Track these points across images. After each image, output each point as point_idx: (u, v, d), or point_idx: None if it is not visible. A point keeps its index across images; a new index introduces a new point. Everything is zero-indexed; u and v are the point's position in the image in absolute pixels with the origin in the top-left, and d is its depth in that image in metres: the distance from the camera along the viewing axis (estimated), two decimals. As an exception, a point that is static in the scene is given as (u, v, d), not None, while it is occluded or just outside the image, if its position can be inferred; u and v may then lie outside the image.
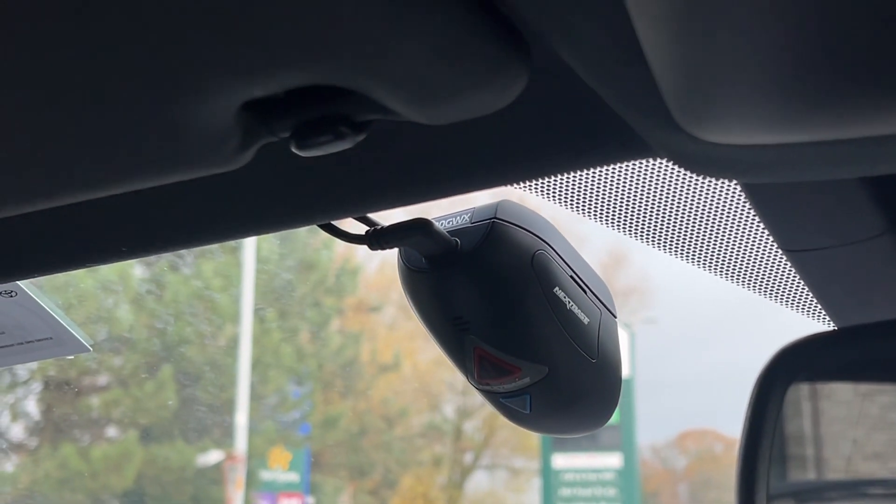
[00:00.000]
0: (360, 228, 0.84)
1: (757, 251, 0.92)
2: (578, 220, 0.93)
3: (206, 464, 10.99)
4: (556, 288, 0.83)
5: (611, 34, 0.45)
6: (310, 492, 12.78)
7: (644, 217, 0.90)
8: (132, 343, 10.19)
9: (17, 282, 0.94)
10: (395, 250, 0.86)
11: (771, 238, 0.87)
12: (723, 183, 0.80)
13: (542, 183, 0.85)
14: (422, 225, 0.81)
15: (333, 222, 0.83)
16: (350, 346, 13.41)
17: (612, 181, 0.84)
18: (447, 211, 0.85)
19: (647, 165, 0.79)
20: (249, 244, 10.77)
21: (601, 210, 0.89)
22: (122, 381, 10.45)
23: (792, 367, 0.93)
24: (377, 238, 0.83)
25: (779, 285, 0.99)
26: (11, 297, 0.96)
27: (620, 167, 0.80)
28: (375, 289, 14.75)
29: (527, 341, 0.84)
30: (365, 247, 0.83)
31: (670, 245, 0.94)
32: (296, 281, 12.19)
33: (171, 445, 10.69)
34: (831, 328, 1.03)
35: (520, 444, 16.31)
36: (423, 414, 15.74)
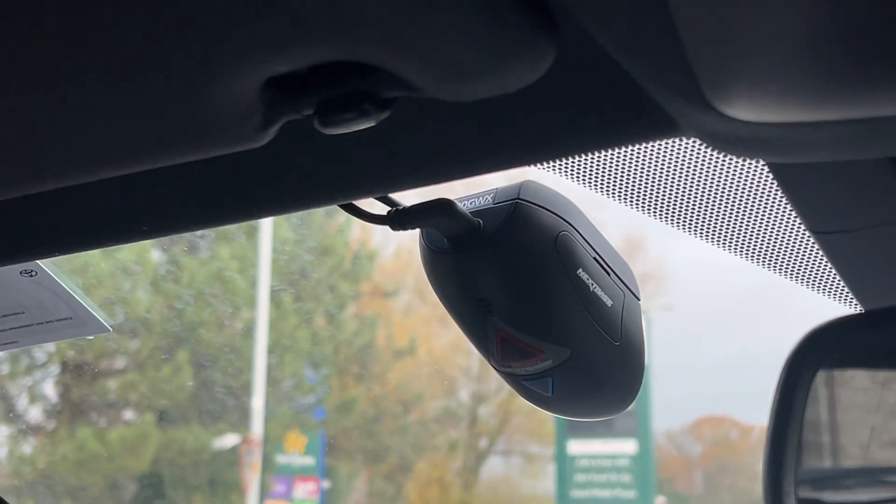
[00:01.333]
0: (381, 210, 0.84)
1: (784, 233, 0.91)
2: (595, 206, 0.92)
3: (223, 447, 11.03)
4: (580, 270, 0.82)
5: (641, 7, 0.44)
6: (325, 476, 12.82)
7: (670, 198, 0.89)
8: (149, 326, 10.23)
9: (38, 262, 0.94)
10: (417, 231, 0.85)
11: (798, 220, 0.86)
12: (750, 164, 0.79)
13: (568, 163, 0.84)
14: (444, 205, 0.81)
15: (355, 202, 0.82)
16: (366, 330, 13.42)
17: (638, 161, 0.83)
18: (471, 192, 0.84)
19: (674, 145, 0.79)
20: (266, 228, 10.79)
21: (626, 191, 0.88)
22: (139, 363, 10.49)
23: (820, 350, 0.92)
24: (399, 218, 0.82)
25: (806, 268, 0.98)
26: (32, 276, 0.96)
27: (648, 147, 0.80)
28: (391, 274, 14.76)
29: (549, 323, 0.83)
30: (381, 230, 0.83)
31: (696, 227, 0.94)
32: (312, 265, 12.20)
33: (187, 429, 10.73)
34: (857, 310, 1.02)
35: (535, 429, 16.31)
36: (439, 399, 15.76)
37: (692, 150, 0.79)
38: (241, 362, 10.78)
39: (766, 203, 0.86)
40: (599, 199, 0.90)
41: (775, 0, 0.39)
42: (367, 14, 0.46)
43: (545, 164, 0.79)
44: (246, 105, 0.54)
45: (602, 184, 0.87)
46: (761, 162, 0.78)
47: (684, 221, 0.93)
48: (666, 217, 0.92)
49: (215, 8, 0.46)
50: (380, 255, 13.65)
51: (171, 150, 0.60)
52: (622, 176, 0.86)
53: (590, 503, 12.97)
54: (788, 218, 0.88)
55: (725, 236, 0.94)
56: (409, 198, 0.83)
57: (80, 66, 0.50)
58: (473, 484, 16.24)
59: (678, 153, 0.80)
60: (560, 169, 0.85)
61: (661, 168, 0.83)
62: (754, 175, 0.82)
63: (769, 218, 0.89)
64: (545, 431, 15.36)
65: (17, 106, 0.54)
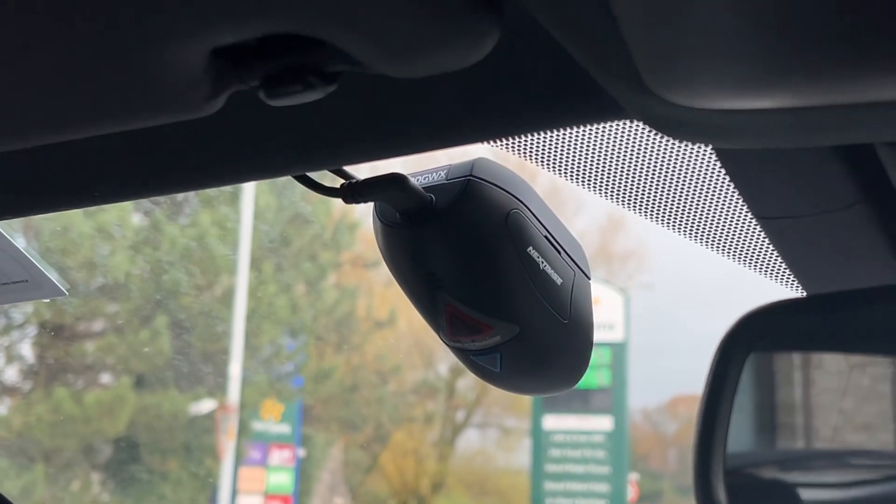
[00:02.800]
0: (336, 182, 0.84)
1: (730, 217, 0.92)
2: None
3: (199, 412, 11.05)
4: (530, 248, 0.83)
5: None
6: (301, 444, 12.86)
7: (619, 179, 0.90)
8: (128, 290, 10.21)
9: (-7, 223, 0.94)
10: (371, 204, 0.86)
11: (744, 204, 0.87)
12: (697, 147, 0.80)
13: (519, 141, 0.84)
14: (397, 180, 0.81)
15: (309, 174, 0.83)
16: (346, 300, 13.42)
17: (587, 141, 0.83)
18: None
19: (623, 127, 0.79)
20: (248, 195, 10.76)
21: (575, 170, 0.89)
22: (117, 327, 10.48)
23: (754, 333, 0.93)
24: (352, 191, 0.83)
25: (751, 252, 0.99)
26: (-13, 238, 0.96)
27: (597, 128, 0.80)
28: (373, 245, 14.72)
29: (499, 300, 0.84)
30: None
31: (644, 208, 0.94)
32: (293, 233, 12.19)
33: (164, 393, 10.74)
34: (800, 294, 1.03)
35: (511, 404, 16.40)
36: (417, 371, 15.81)
37: (641, 133, 0.79)
38: (219, 328, 10.78)
39: (714, 187, 0.87)
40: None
41: None
42: None
43: (496, 143, 0.80)
44: (192, 74, 0.54)
45: (552, 162, 0.88)
46: (708, 147, 0.79)
47: (634, 202, 0.94)
48: (615, 197, 0.93)
49: None
50: (362, 225, 13.63)
51: (119, 116, 0.60)
52: (571, 155, 0.86)
53: (563, 478, 13.05)
54: (735, 202, 0.89)
55: (674, 218, 0.95)
56: (363, 171, 0.83)
57: (27, 32, 0.50)
58: (449, 456, 16.33)
59: (628, 134, 0.81)
60: (512, 148, 0.85)
61: (610, 148, 0.84)
62: (703, 159, 0.82)
63: (716, 202, 0.90)
64: (522, 406, 15.44)
65: None
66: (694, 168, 0.84)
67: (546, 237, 0.85)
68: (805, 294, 1.01)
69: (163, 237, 10.23)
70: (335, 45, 0.52)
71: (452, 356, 0.89)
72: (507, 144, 0.84)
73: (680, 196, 0.90)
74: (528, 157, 0.87)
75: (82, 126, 0.62)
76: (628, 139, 0.81)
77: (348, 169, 0.83)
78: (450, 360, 15.60)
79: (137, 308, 10.39)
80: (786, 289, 1.02)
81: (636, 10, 0.43)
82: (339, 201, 0.83)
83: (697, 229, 0.96)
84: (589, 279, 0.90)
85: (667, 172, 0.86)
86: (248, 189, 10.66)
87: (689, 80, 0.48)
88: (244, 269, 10.88)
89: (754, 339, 0.92)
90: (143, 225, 10.29)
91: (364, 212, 13.29)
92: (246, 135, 0.73)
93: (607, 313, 11.97)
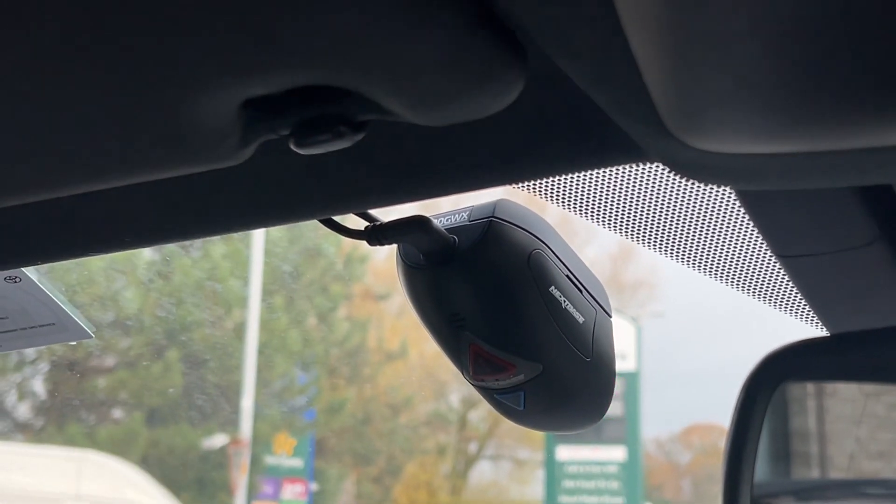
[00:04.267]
0: (360, 224, 0.85)
1: (751, 255, 0.93)
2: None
3: (211, 447, 11.02)
4: (552, 287, 0.84)
5: (604, 43, 0.46)
6: (314, 478, 12.81)
7: (639, 219, 0.90)
8: (140, 324, 10.22)
9: (22, 268, 0.95)
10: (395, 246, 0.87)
11: (764, 243, 0.87)
12: (717, 188, 0.81)
13: (540, 183, 0.85)
14: (420, 222, 0.82)
15: (333, 217, 0.84)
16: (357, 333, 13.42)
17: (608, 182, 0.84)
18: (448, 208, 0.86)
19: (643, 168, 0.80)
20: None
21: (596, 210, 0.90)
22: (129, 362, 10.48)
23: (779, 371, 0.94)
24: (376, 234, 0.84)
25: (773, 290, 0.99)
26: (16, 282, 0.97)
27: (617, 169, 0.81)
28: (383, 277, 14.75)
29: (522, 339, 0.85)
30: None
31: (665, 247, 0.95)
32: (304, 266, 12.20)
33: (176, 428, 10.73)
34: (823, 333, 1.03)
35: (524, 435, 16.30)
36: (429, 402, 15.75)
37: (662, 174, 0.80)
38: (231, 362, 10.77)
39: (734, 226, 0.88)
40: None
41: (732, 42, 0.41)
42: (340, 42, 0.47)
43: (516, 186, 0.81)
44: (224, 125, 0.55)
45: (573, 203, 0.89)
46: (728, 187, 0.79)
47: (654, 241, 0.94)
48: (634, 236, 0.94)
49: (194, 31, 0.47)
50: (372, 257, 13.64)
51: (150, 166, 0.62)
52: (592, 196, 0.87)
53: (578, 509, 12.97)
54: (755, 241, 0.89)
55: (694, 257, 0.96)
56: (386, 212, 0.84)
57: (64, 84, 0.52)
58: (462, 488, 16.24)
59: (648, 175, 0.81)
60: (535, 188, 0.86)
61: (630, 189, 0.85)
62: (722, 199, 0.83)
63: (737, 240, 0.91)
64: (535, 437, 15.36)
65: (1, 120, 0.55)
66: (713, 207, 0.85)
67: (568, 276, 0.85)
68: (827, 331, 1.02)
69: (174, 271, 10.25)
70: (364, 95, 0.53)
71: (464, 387, 0.90)
72: (527, 186, 0.85)
73: (700, 234, 0.91)
74: (546, 197, 0.88)
75: (114, 175, 0.63)
76: (647, 179, 0.82)
77: (372, 210, 0.84)
78: (461, 392, 15.55)
79: (149, 342, 10.40)
80: (807, 325, 1.03)
81: (660, 61, 0.44)
82: None
83: (719, 268, 0.97)
84: (610, 317, 0.91)
85: (686, 211, 0.87)
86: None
87: (711, 127, 0.49)
88: (256, 303, 10.88)
89: (778, 377, 0.93)
90: (154, 259, 10.32)
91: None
92: (273, 180, 0.74)
93: (619, 343, 11.86)
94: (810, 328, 1.01)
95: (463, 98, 0.52)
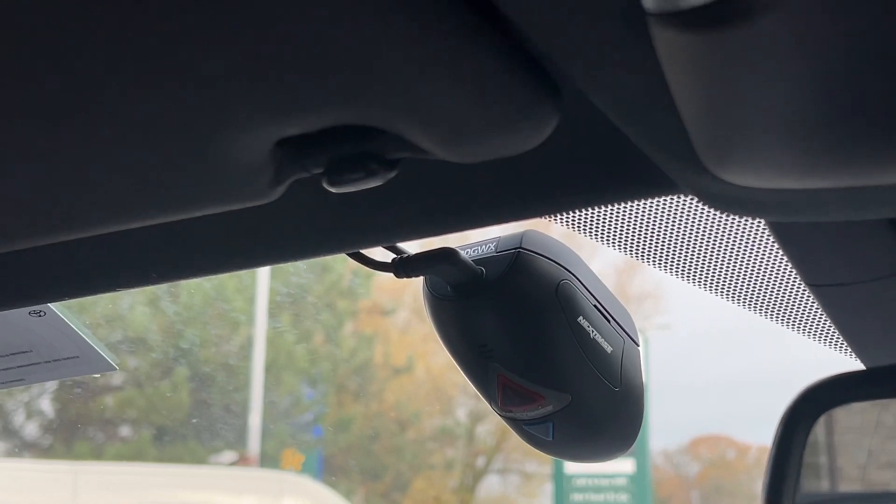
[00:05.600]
0: (387, 255, 0.85)
1: (782, 284, 0.93)
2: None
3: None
4: (581, 317, 0.84)
5: (641, 83, 0.46)
6: (322, 494, 12.78)
7: (668, 249, 0.90)
8: (147, 343, 10.22)
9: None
10: (421, 278, 0.86)
11: (796, 272, 0.87)
12: (748, 219, 0.81)
13: (568, 215, 0.85)
14: (448, 254, 0.82)
15: (361, 251, 0.84)
16: (363, 348, 13.41)
17: (637, 213, 0.84)
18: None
19: (672, 200, 0.80)
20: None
21: (625, 241, 0.90)
22: (137, 381, 10.48)
23: (817, 405, 0.94)
24: (404, 266, 0.84)
25: (804, 319, 0.99)
26: (41, 316, 0.97)
27: (647, 201, 0.81)
28: (389, 292, 14.75)
29: (550, 370, 0.85)
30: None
31: (696, 277, 0.95)
32: (310, 283, 12.20)
33: (184, 446, 10.72)
34: (855, 361, 1.03)
35: (532, 449, 16.26)
36: (436, 417, 15.72)
37: (691, 204, 0.80)
38: (238, 380, 10.77)
39: (765, 255, 0.88)
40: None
41: (769, 80, 0.41)
42: (375, 81, 0.47)
43: (546, 218, 0.81)
44: (256, 164, 0.55)
45: (602, 234, 0.89)
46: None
47: (684, 271, 0.94)
48: (665, 266, 0.94)
49: (229, 73, 0.47)
50: (378, 273, 13.64)
51: (182, 204, 0.62)
52: (622, 227, 0.87)
53: (587, 523, 12.93)
54: (786, 270, 0.89)
55: (725, 286, 0.96)
56: (413, 244, 0.84)
57: (96, 122, 0.52)
58: (470, 502, 16.20)
59: (678, 206, 0.81)
60: (562, 220, 0.86)
61: (660, 220, 0.84)
62: (753, 228, 0.83)
63: (767, 269, 0.90)
64: (542, 451, 15.31)
65: (34, 159, 0.55)
66: (743, 236, 0.85)
67: (595, 306, 0.85)
68: (860, 361, 1.01)
69: (181, 289, 10.25)
70: (397, 134, 0.53)
71: (471, 401, 0.90)
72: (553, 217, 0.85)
73: (730, 264, 0.91)
74: (573, 227, 0.88)
75: (147, 213, 0.63)
76: (676, 210, 0.82)
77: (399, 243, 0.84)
78: (468, 406, 15.54)
79: (157, 361, 10.40)
80: (838, 353, 1.02)
81: (696, 98, 0.44)
82: None
83: (750, 297, 0.97)
84: (638, 346, 0.91)
85: (716, 241, 0.87)
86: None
87: (745, 162, 0.49)
88: (262, 320, 10.88)
89: (817, 410, 0.93)
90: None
91: (380, 259, 13.27)
92: (302, 216, 0.74)
93: (626, 356, 11.88)
94: (843, 357, 1.01)
95: (497, 136, 0.52)
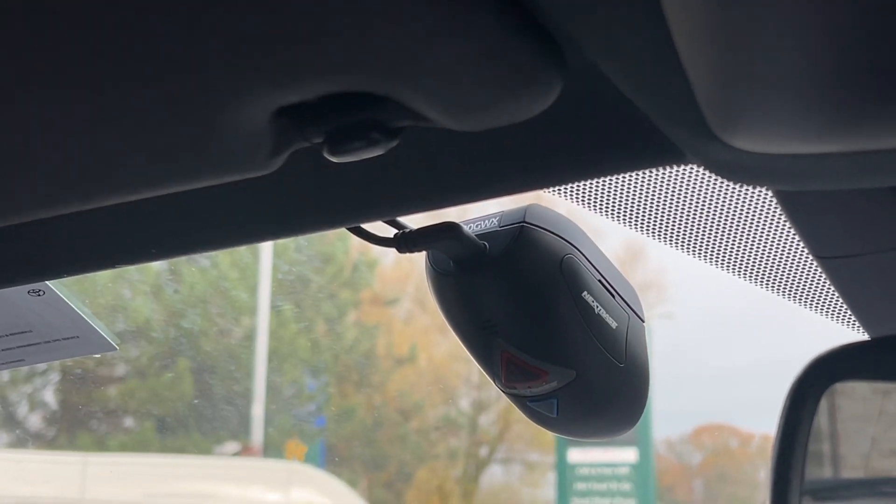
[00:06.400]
0: (388, 231, 0.84)
1: (789, 257, 0.92)
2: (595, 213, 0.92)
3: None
4: (585, 292, 0.83)
5: (649, 45, 0.45)
6: (325, 484, 12.80)
7: (674, 222, 0.90)
8: (150, 334, 10.23)
9: (46, 281, 0.95)
10: (423, 253, 0.86)
11: (802, 244, 0.86)
12: (754, 189, 0.80)
13: (571, 187, 0.84)
14: (450, 228, 0.81)
15: (362, 225, 0.83)
16: (366, 339, 13.42)
17: (641, 185, 0.84)
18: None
19: (678, 170, 0.79)
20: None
21: (630, 214, 0.89)
22: (139, 371, 10.50)
23: (825, 375, 0.93)
24: (405, 241, 0.83)
25: (810, 291, 0.98)
26: (39, 295, 0.96)
27: (652, 172, 0.80)
28: (392, 282, 14.76)
29: (554, 345, 0.84)
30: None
31: (701, 250, 0.94)
32: (312, 273, 12.20)
33: (187, 436, 10.73)
34: (862, 335, 1.02)
35: (535, 438, 16.28)
36: (439, 407, 15.74)
37: (697, 175, 0.79)
38: (241, 370, 10.78)
39: (771, 227, 0.87)
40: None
41: (780, 41, 0.40)
42: (376, 47, 0.47)
43: (550, 190, 0.80)
44: (256, 134, 0.55)
45: (606, 207, 0.88)
46: (765, 188, 0.79)
47: (688, 244, 0.93)
48: (670, 240, 0.93)
49: (228, 40, 0.46)
50: (380, 263, 13.65)
51: (181, 176, 0.61)
52: (626, 199, 0.86)
53: (590, 512, 12.95)
54: (793, 242, 0.88)
55: (731, 259, 0.95)
56: (415, 219, 0.83)
57: (92, 92, 0.51)
58: (473, 492, 16.22)
59: (681, 178, 0.81)
60: (566, 193, 0.85)
61: (665, 192, 0.84)
62: (759, 200, 0.82)
63: (774, 242, 0.90)
64: (545, 440, 15.34)
65: (31, 133, 0.55)
66: (749, 208, 0.84)
67: (600, 281, 0.85)
68: (866, 334, 1.01)
69: (183, 280, 10.26)
70: (399, 102, 0.52)
71: (474, 391, 0.89)
72: (553, 190, 0.84)
73: (736, 236, 0.90)
74: (576, 201, 0.88)
75: (145, 186, 0.62)
76: (682, 181, 0.82)
77: (401, 218, 0.83)
78: (471, 396, 15.56)
79: (159, 352, 10.41)
80: (845, 328, 1.02)
81: (705, 61, 0.43)
82: (357, 239, 0.84)
83: (756, 270, 0.96)
84: (643, 322, 0.90)
85: (722, 212, 0.86)
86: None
87: (755, 127, 0.48)
88: (264, 310, 10.89)
89: (825, 380, 0.92)
90: (162, 268, 10.33)
91: (381, 250, 13.28)
92: (302, 188, 0.74)
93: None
94: (850, 331, 1.00)
95: (500, 102, 0.52)
